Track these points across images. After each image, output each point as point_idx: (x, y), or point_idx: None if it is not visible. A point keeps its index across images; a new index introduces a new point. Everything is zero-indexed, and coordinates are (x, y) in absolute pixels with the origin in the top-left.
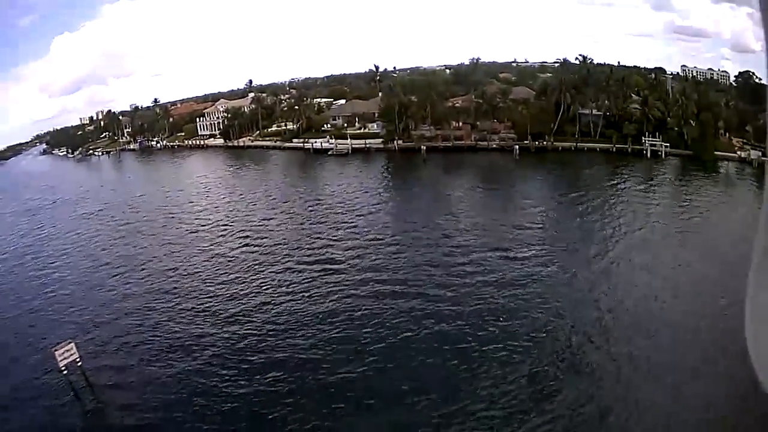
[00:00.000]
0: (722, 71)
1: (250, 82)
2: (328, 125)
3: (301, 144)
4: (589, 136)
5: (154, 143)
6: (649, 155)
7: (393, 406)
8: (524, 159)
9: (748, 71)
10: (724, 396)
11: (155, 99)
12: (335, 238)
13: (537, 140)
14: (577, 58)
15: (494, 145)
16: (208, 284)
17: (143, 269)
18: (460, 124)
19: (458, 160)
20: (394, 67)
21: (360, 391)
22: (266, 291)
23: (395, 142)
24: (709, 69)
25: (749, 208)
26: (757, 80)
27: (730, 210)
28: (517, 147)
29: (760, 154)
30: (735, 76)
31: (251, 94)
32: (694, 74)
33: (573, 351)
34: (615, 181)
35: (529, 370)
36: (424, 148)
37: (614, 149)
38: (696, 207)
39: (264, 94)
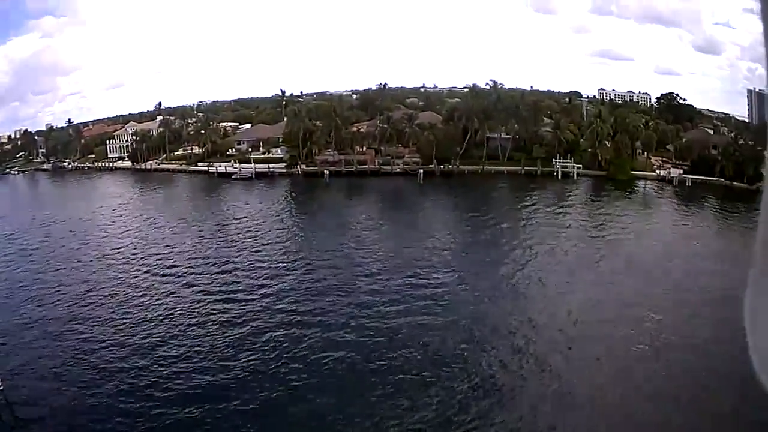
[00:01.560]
0: (643, 93)
1: (159, 104)
2: (233, 149)
3: (206, 168)
4: (497, 160)
5: (66, 164)
6: (560, 177)
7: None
8: (429, 183)
9: (671, 93)
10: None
11: (69, 120)
12: (240, 264)
13: (443, 164)
14: (487, 84)
15: (398, 170)
16: (114, 312)
17: (53, 294)
18: (364, 149)
19: (361, 185)
20: (301, 92)
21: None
22: (170, 319)
23: (298, 166)
24: (629, 91)
25: (665, 224)
26: (679, 101)
27: (644, 226)
28: (421, 171)
29: (680, 172)
30: (657, 98)
31: (159, 117)
32: (612, 97)
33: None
34: (524, 203)
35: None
36: (327, 172)
37: (523, 171)
38: (609, 225)
39: (172, 117)
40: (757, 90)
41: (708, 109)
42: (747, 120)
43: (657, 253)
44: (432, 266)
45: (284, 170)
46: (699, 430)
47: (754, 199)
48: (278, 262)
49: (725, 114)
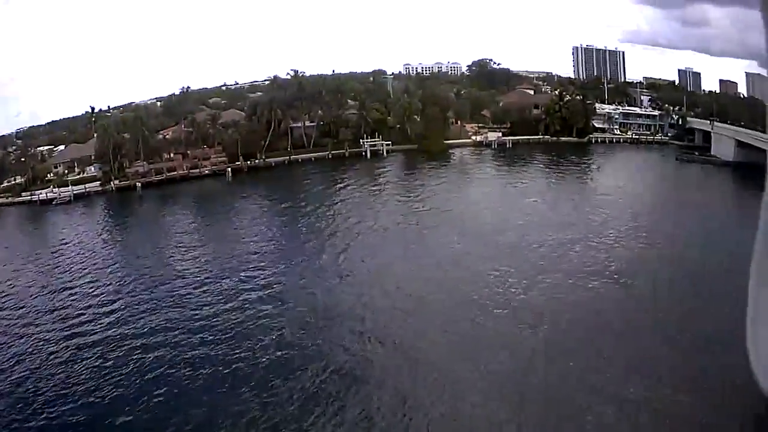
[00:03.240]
0: (453, 63)
1: None
2: (51, 174)
3: (29, 197)
4: (303, 148)
5: None
6: (369, 156)
7: None
8: (237, 180)
9: (483, 59)
10: None
11: None
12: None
13: (248, 160)
14: (288, 74)
15: (207, 171)
16: None
17: None
18: (172, 155)
19: (173, 192)
20: (108, 107)
21: None
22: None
23: (112, 182)
24: (437, 63)
25: (486, 187)
26: (493, 66)
27: (462, 191)
28: (229, 169)
29: (499, 135)
30: (468, 66)
31: None
32: (419, 71)
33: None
34: (336, 185)
35: None
36: (140, 184)
37: (330, 156)
38: (425, 194)
39: None
40: (584, 46)
41: (527, 71)
42: (573, 76)
43: (480, 217)
44: (256, 262)
45: (99, 188)
46: None
47: (584, 149)
48: (108, 287)
49: (547, 73)
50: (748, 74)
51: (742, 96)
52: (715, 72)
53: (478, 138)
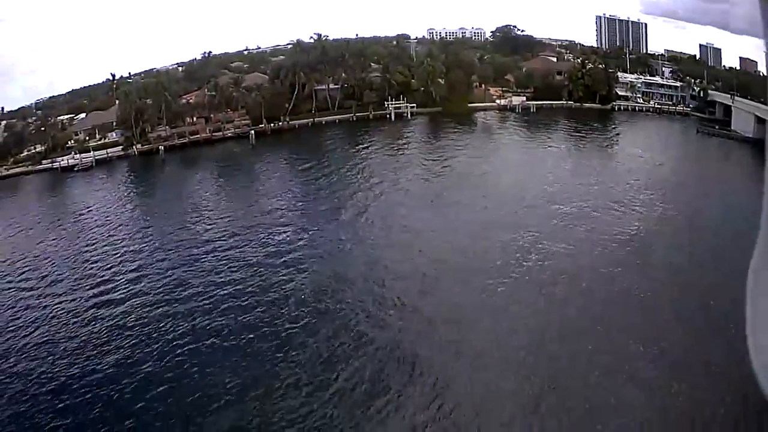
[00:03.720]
0: (476, 28)
1: (2, 109)
2: (72, 141)
3: (50, 164)
4: (327, 110)
5: None
6: (393, 118)
7: None
8: (261, 143)
9: (507, 25)
10: None
11: None
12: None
13: (272, 122)
14: (311, 37)
15: (230, 134)
16: None
17: None
18: (195, 119)
19: (195, 155)
20: (129, 73)
21: None
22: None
23: (134, 147)
24: (461, 28)
25: (511, 148)
26: (517, 32)
27: (488, 152)
28: (252, 132)
29: (524, 99)
30: (492, 32)
31: (3, 122)
32: (443, 36)
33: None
34: (359, 146)
35: None
36: (162, 148)
37: (354, 118)
38: (449, 154)
39: (14, 120)
40: (607, 16)
41: (550, 38)
42: (596, 45)
43: (503, 181)
44: (278, 225)
45: (122, 153)
46: None
47: (607, 116)
48: (131, 252)
49: (570, 41)
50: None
51: (762, 74)
52: (735, 49)
53: (503, 102)
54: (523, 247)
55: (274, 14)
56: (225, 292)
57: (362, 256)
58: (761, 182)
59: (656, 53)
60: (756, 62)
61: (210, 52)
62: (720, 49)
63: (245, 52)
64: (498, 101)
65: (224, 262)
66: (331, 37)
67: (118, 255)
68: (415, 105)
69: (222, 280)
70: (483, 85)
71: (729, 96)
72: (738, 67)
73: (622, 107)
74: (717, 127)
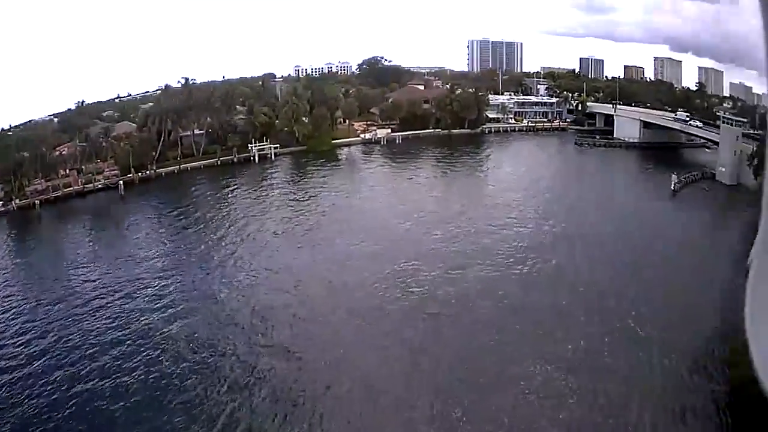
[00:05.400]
0: (343, 62)
1: None
2: None
3: None
4: (193, 156)
5: None
6: (257, 160)
7: None
8: (130, 192)
9: (373, 57)
10: None
11: None
12: None
13: (140, 172)
14: (179, 82)
15: (100, 185)
16: None
17: None
18: (68, 171)
19: (69, 209)
20: (10, 125)
21: None
22: None
23: (12, 202)
24: (327, 63)
25: (370, 181)
26: (384, 63)
27: (349, 187)
28: (121, 182)
29: (388, 131)
30: (358, 64)
31: None
32: (309, 72)
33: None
34: (222, 192)
35: None
36: (38, 202)
37: (219, 162)
38: (310, 193)
39: None
40: (480, 39)
41: (419, 66)
42: (467, 69)
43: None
44: (147, 275)
45: (2, 208)
46: None
47: (476, 140)
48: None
49: (440, 68)
50: (656, 59)
51: (648, 80)
52: (621, 58)
53: (367, 135)
54: (389, 278)
55: (144, 59)
56: (104, 348)
57: (233, 300)
58: (648, 180)
59: (531, 72)
60: (642, 68)
61: (83, 101)
62: (602, 60)
63: (117, 100)
64: (362, 135)
65: (104, 320)
66: (198, 81)
67: None
68: (278, 145)
69: (101, 338)
70: (347, 121)
71: (611, 106)
72: (623, 76)
73: (492, 129)
74: (598, 137)
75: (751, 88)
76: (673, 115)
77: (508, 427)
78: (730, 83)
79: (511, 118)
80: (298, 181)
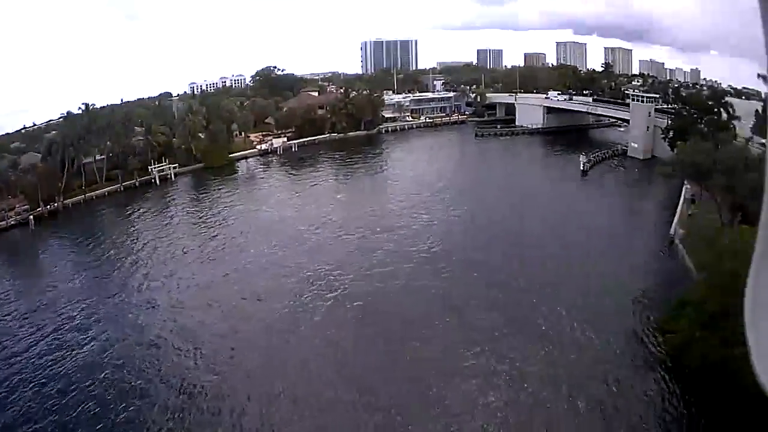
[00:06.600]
0: (237, 75)
1: None
2: None
3: None
4: (97, 183)
5: None
6: (158, 182)
7: None
8: (41, 227)
9: (267, 67)
10: None
11: None
12: None
13: (48, 204)
14: (79, 108)
15: (13, 222)
16: None
17: None
18: None
19: None
20: None
21: None
22: None
23: None
24: (222, 78)
25: (269, 191)
26: (277, 73)
27: (248, 199)
28: (31, 218)
29: (284, 140)
30: (252, 76)
31: None
32: (204, 88)
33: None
34: (128, 219)
35: None
36: None
37: (122, 188)
38: (214, 210)
39: None
40: (373, 40)
41: (313, 73)
42: (361, 72)
43: (276, 219)
44: (61, 308)
45: None
46: None
47: (373, 140)
48: None
49: (334, 72)
50: (558, 43)
51: (551, 65)
52: (523, 46)
53: (263, 146)
54: (309, 287)
55: (46, 85)
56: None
57: (153, 323)
58: (554, 165)
59: (427, 69)
60: (544, 54)
61: None
62: (501, 50)
63: (23, 131)
64: (258, 146)
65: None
66: (98, 105)
67: None
68: (177, 165)
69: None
70: (243, 133)
71: (511, 95)
72: (523, 64)
73: (389, 129)
74: (499, 126)
75: (663, 63)
76: (576, 98)
77: None
78: (640, 61)
79: (407, 116)
80: (202, 199)
